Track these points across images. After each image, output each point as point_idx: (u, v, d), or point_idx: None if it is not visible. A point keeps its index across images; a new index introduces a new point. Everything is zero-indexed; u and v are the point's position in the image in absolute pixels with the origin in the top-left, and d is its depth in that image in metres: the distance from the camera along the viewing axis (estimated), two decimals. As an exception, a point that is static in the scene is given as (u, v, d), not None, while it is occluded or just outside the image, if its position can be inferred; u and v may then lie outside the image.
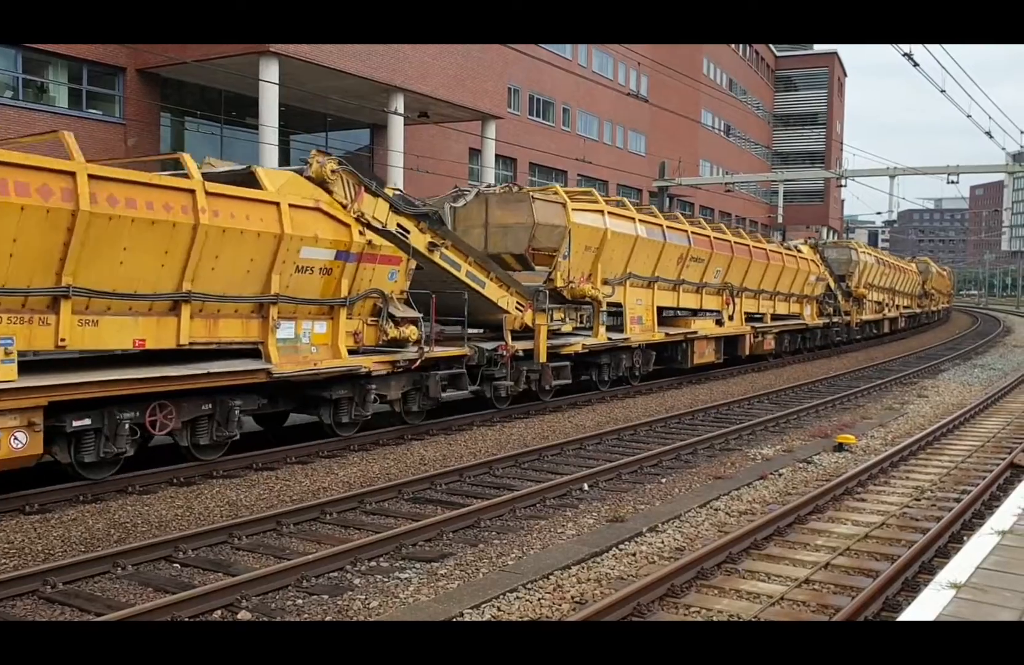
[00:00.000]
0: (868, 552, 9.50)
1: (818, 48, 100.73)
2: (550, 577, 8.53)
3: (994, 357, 35.98)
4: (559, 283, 19.35)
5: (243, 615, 7.69)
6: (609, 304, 21.05)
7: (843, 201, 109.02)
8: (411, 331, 15.23)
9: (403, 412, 15.82)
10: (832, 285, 37.48)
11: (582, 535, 10.02)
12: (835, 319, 37.41)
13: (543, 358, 18.49)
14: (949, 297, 75.56)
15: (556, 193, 20.31)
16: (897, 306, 49.91)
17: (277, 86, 26.07)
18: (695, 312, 25.50)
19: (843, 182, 56.94)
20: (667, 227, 23.49)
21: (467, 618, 7.51)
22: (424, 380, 15.78)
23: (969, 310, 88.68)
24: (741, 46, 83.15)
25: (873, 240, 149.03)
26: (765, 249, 30.12)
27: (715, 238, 26.02)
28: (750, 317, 29.07)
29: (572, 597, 8.05)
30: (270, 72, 25.84)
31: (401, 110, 30.27)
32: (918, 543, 9.29)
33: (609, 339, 20.82)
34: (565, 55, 50.03)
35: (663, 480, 12.88)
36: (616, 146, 57.23)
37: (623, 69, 57.53)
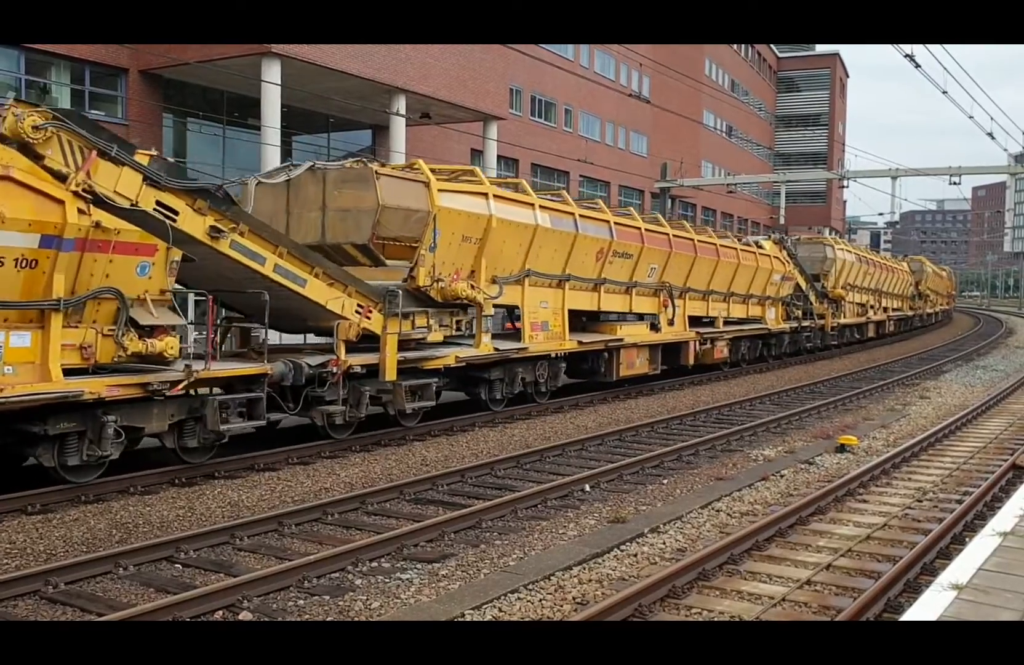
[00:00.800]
0: (870, 553, 9.49)
1: (820, 49, 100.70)
2: (552, 578, 8.52)
3: (996, 358, 35.95)
4: (423, 281, 15.71)
5: (244, 616, 7.69)
6: (499, 306, 18.30)
7: (845, 202, 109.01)
8: (167, 343, 11.83)
9: (178, 448, 12.48)
10: (803, 285, 34.14)
11: (584, 536, 10.02)
12: (806, 323, 33.74)
13: (391, 374, 14.72)
14: (950, 299, 74.50)
15: (417, 168, 16.53)
16: (884, 308, 46.27)
17: (279, 87, 26.09)
18: (623, 316, 22.13)
19: (845, 183, 56.86)
20: (580, 216, 19.95)
21: (468, 619, 7.51)
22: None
23: (971, 312, 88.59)
24: (743, 47, 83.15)
25: (875, 241, 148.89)
26: (715, 244, 26.45)
27: (647, 230, 22.58)
28: (696, 321, 25.97)
29: (574, 598, 8.04)
30: (272, 73, 25.86)
31: (403, 111, 30.29)
32: (920, 544, 9.28)
33: (496, 349, 17.35)
34: (567, 56, 50.04)
35: (664, 481, 12.88)
36: (618, 147, 57.23)
37: (625, 70, 57.54)
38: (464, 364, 16.63)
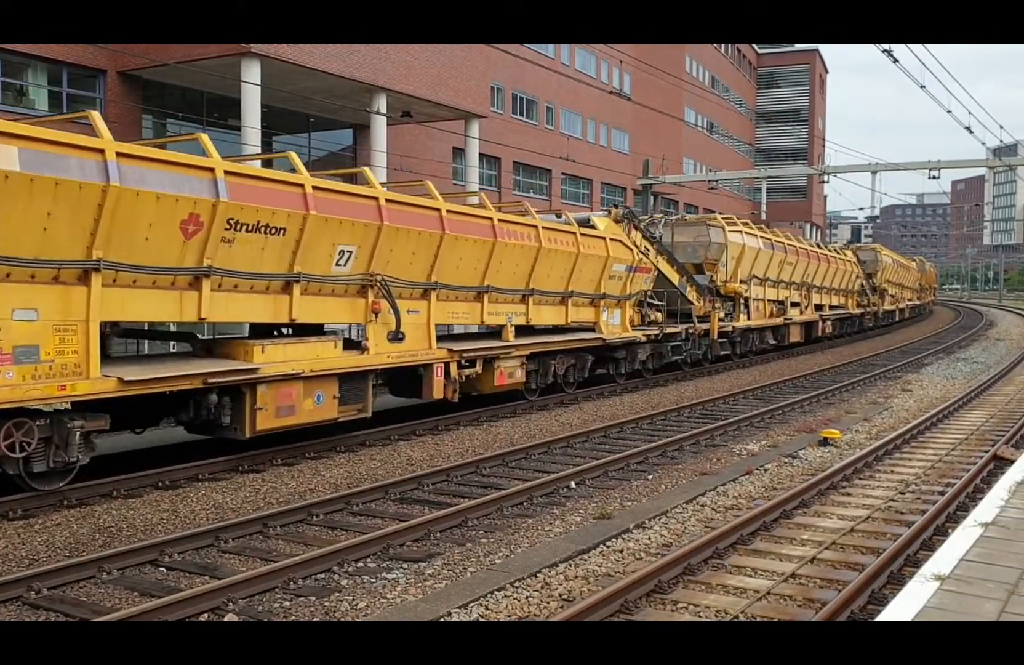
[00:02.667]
0: (854, 546, 9.55)
1: (799, 46, 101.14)
2: (538, 575, 8.53)
3: (977, 350, 36.25)
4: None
5: (230, 618, 7.65)
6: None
7: (826, 197, 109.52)
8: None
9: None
10: (674, 279, 35.89)
11: (569, 533, 10.03)
12: (675, 328, 34.04)
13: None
14: (924, 293, 74.78)
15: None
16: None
17: (259, 87, 25.96)
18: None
19: (826, 178, 57.25)
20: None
21: (455, 618, 7.51)
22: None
23: (952, 305, 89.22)
24: (723, 44, 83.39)
25: (856, 235, 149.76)
26: (491, 221, 20.26)
27: (318, 192, 21.11)
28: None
29: (560, 595, 8.05)
30: (252, 73, 25.73)
31: (384, 110, 30.21)
32: (903, 536, 9.35)
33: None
34: (548, 54, 50.06)
35: (649, 477, 12.91)
36: (600, 144, 57.29)
37: (606, 67, 57.62)
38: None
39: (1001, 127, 40.14)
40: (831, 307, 39.85)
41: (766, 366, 29.12)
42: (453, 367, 16.55)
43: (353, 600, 8.02)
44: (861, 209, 75.86)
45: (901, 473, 13.11)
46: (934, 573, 6.80)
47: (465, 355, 16.87)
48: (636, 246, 22.60)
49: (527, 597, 7.98)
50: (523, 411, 18.55)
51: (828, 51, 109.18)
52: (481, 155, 38.39)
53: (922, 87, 29.81)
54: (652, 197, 49.10)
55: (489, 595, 7.97)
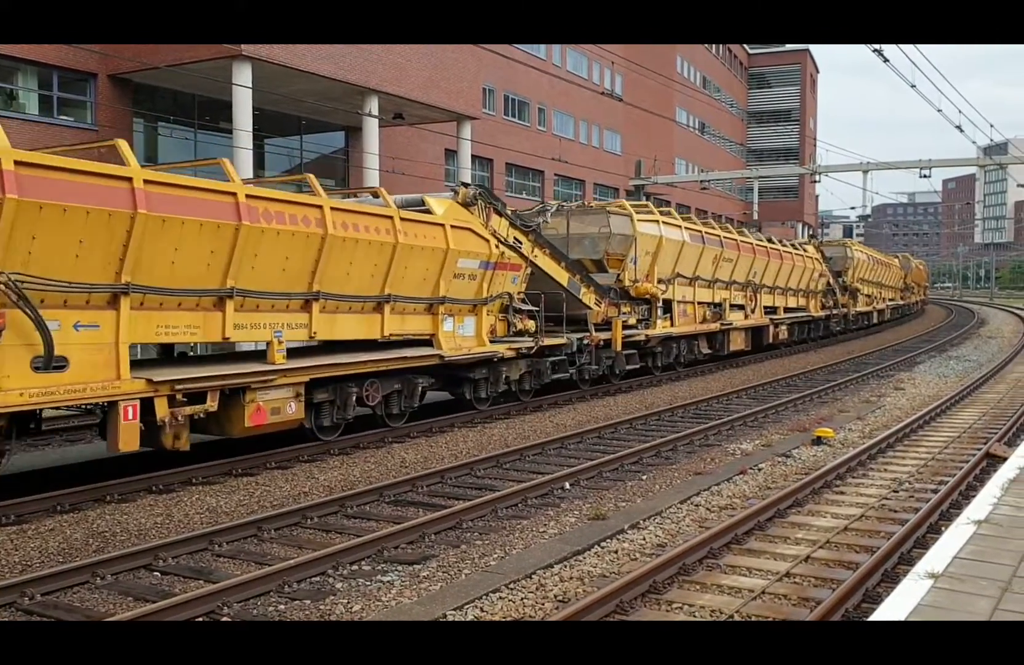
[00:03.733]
0: (848, 544, 9.57)
1: (790, 45, 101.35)
2: (533, 576, 8.53)
3: (969, 349, 36.36)
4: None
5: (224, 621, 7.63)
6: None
7: (817, 197, 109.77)
8: (529, 324, 19.01)
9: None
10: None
11: (564, 534, 10.03)
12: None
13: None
14: (909, 292, 74.12)
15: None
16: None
17: (250, 90, 25.91)
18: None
19: (817, 178, 57.30)
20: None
21: (450, 619, 7.50)
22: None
23: (944, 302, 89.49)
24: (714, 44, 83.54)
25: (848, 235, 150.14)
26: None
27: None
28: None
29: (555, 596, 8.05)
30: (243, 76, 25.68)
31: (375, 112, 30.18)
32: (897, 534, 9.38)
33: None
34: (539, 55, 50.07)
35: (644, 477, 12.92)
36: (592, 145, 57.34)
37: (597, 68, 57.64)
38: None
39: (991, 125, 40.33)
40: (788, 309, 35.21)
41: (693, 382, 24.57)
42: (161, 405, 11.85)
43: (348, 603, 8.00)
44: (853, 208, 76.04)
45: (894, 471, 13.14)
46: (928, 571, 6.81)
47: (182, 387, 12.07)
48: (497, 237, 18.08)
49: (522, 598, 7.98)
50: (517, 413, 18.55)
51: (819, 51, 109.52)
52: (473, 156, 38.38)
53: (913, 86, 29.92)
54: (644, 198, 49.15)
55: (484, 597, 7.97)
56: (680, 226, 26.00)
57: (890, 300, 54.99)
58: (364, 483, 12.46)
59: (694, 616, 7.61)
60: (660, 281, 24.48)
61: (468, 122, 35.67)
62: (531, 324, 19.11)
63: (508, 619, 7.57)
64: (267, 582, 8.32)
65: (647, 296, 23.97)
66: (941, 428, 16.83)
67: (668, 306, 25.23)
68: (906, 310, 62.85)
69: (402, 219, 15.59)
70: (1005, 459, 12.12)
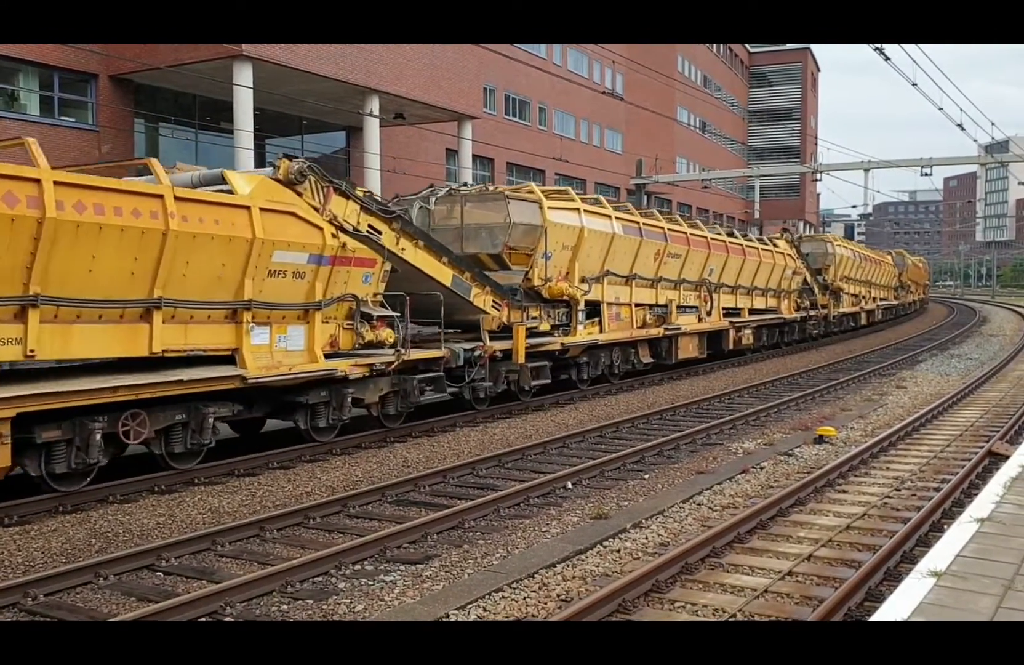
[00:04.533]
0: (850, 543, 9.56)
1: (791, 44, 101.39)
2: (535, 576, 8.53)
3: (971, 347, 36.34)
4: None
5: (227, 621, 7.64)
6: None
7: (819, 195, 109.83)
8: (387, 334, 15.13)
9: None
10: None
11: (566, 533, 10.03)
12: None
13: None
14: (924, 288, 73.76)
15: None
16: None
17: (251, 90, 25.93)
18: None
19: (818, 176, 57.33)
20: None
21: (453, 619, 7.50)
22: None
23: (945, 301, 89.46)
24: (716, 44, 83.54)
25: (849, 233, 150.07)
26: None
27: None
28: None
29: (557, 595, 8.06)
30: (244, 76, 25.70)
31: (376, 112, 30.19)
32: (899, 533, 9.37)
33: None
34: (540, 55, 50.07)
35: (646, 476, 12.92)
36: (593, 145, 57.34)
37: (598, 68, 57.65)
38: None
39: (992, 123, 40.39)
40: (755, 311, 31.53)
41: (696, 381, 23.89)
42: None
43: (351, 603, 8.01)
44: (854, 207, 76.01)
45: (896, 470, 13.14)
46: (931, 569, 6.81)
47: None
48: (338, 224, 14.26)
49: (525, 598, 7.98)
50: (519, 412, 18.56)
51: (820, 49, 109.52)
52: (474, 156, 38.40)
53: (914, 85, 29.94)
54: (646, 197, 49.15)
55: (487, 596, 7.97)
56: (610, 216, 22.14)
57: (882, 300, 51.40)
58: (366, 483, 12.47)
59: (697, 615, 7.61)
60: (584, 280, 20.75)
61: (469, 122, 35.70)
62: (389, 334, 15.22)
63: (511, 618, 7.57)
64: (270, 582, 8.33)
65: (565, 298, 20.17)
66: (943, 426, 16.83)
67: (597, 309, 21.53)
68: (901, 310, 58.96)
69: (178, 198, 11.84)
70: (1007, 457, 12.11)
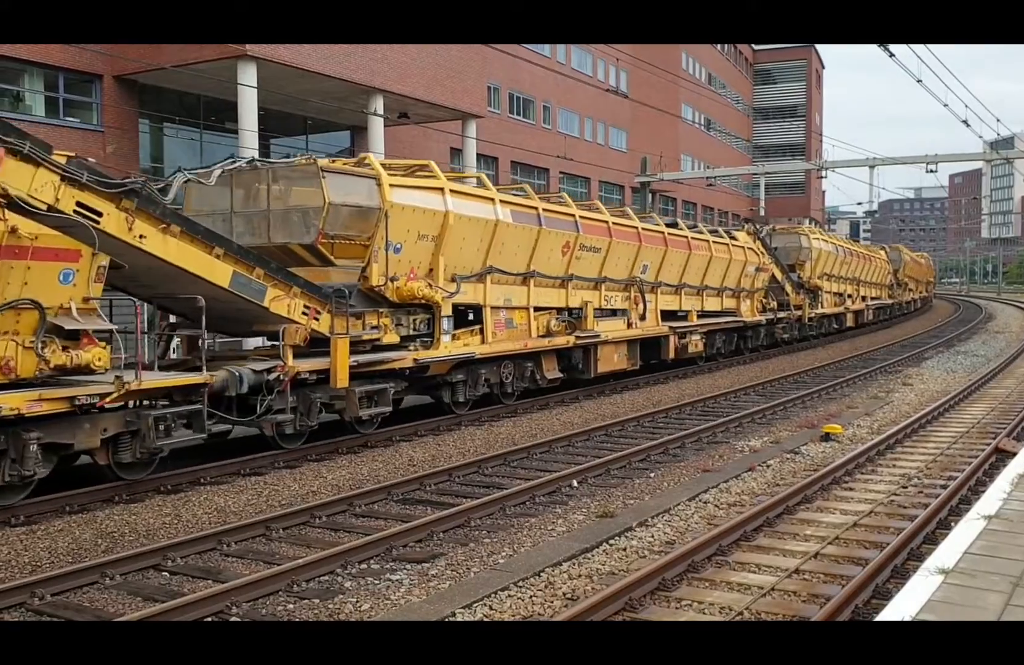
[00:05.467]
0: (857, 540, 9.54)
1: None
2: (541, 574, 8.52)
3: (977, 344, 36.25)
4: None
5: (233, 621, 7.64)
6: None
7: (824, 192, 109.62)
8: (96, 354, 11.13)
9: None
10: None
11: (572, 531, 10.02)
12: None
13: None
14: (927, 286, 70.07)
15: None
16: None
17: (255, 90, 25.94)
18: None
19: (824, 174, 57.12)
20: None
21: (459, 618, 7.49)
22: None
23: (951, 298, 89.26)
24: (722, 44, 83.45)
25: (855, 231, 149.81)
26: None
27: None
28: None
29: (564, 594, 8.04)
30: (248, 76, 25.71)
31: (381, 111, 30.19)
32: (906, 530, 9.34)
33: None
34: (544, 53, 50.02)
35: (652, 475, 12.90)
36: (597, 142, 57.27)
37: (602, 65, 57.60)
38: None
39: (998, 120, 40.17)
40: (705, 313, 27.23)
41: (623, 397, 22.56)
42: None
43: (357, 602, 8.00)
44: (859, 204, 75.88)
45: (903, 467, 13.11)
46: (938, 567, 6.78)
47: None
48: (20, 202, 10.32)
49: (531, 596, 7.97)
50: (524, 411, 18.55)
51: (824, 47, 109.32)
52: (479, 155, 38.41)
53: (919, 82, 29.82)
54: (651, 194, 49.10)
55: (493, 595, 7.96)
56: (493, 199, 17.91)
57: (873, 299, 47.34)
58: (372, 482, 12.47)
59: (703, 613, 7.59)
60: (455, 279, 16.75)
61: (473, 121, 35.69)
62: (98, 354, 11.23)
63: (517, 618, 7.56)
64: (276, 581, 8.33)
65: (422, 301, 15.81)
66: (950, 423, 16.78)
67: (479, 315, 17.69)
68: (897, 310, 54.40)
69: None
70: (1014, 454, 12.07)
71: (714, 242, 27.70)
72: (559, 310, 20.05)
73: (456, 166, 39.20)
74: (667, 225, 26.13)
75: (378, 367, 15.01)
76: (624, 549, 9.36)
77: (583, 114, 55.34)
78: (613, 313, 22.37)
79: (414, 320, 16.13)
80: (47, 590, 8.17)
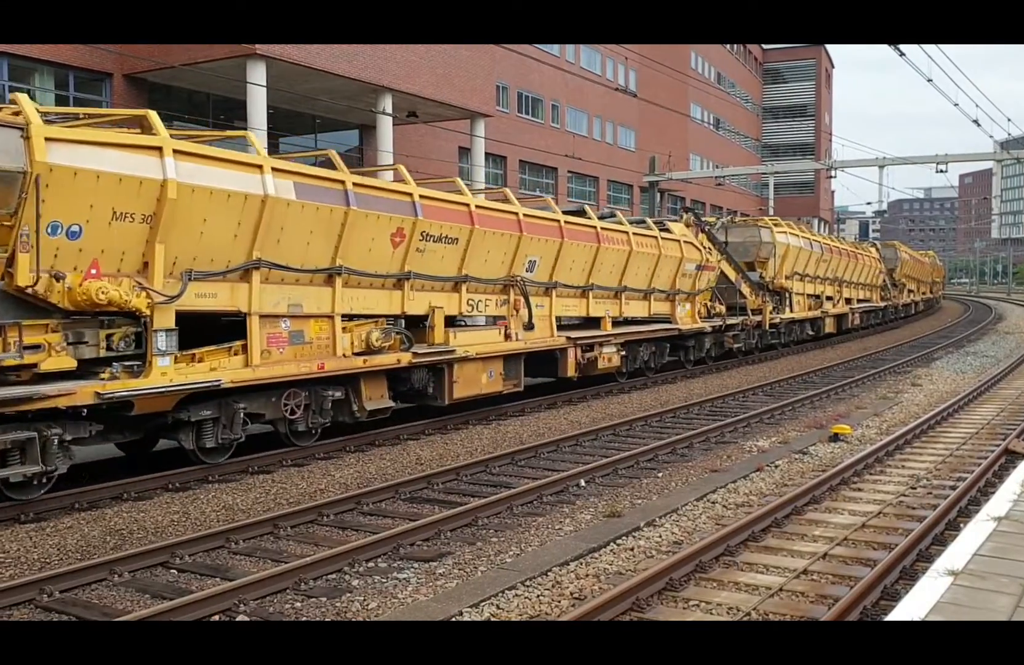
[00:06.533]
0: (866, 541, 9.51)
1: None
2: (548, 574, 8.52)
3: (987, 344, 36.10)
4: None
5: (241, 619, 7.66)
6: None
7: (833, 192, 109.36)
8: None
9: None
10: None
11: (580, 531, 10.01)
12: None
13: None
14: (933, 286, 66.56)
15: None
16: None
17: (264, 89, 25.99)
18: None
19: (833, 173, 56.94)
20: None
21: (466, 617, 7.50)
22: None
23: (961, 298, 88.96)
24: (732, 44, 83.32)
25: (864, 231, 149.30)
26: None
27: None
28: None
29: (571, 593, 8.04)
30: (257, 75, 25.75)
31: (389, 110, 30.22)
32: (915, 531, 9.31)
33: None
34: (553, 52, 50.02)
35: (659, 474, 12.89)
36: (606, 142, 57.24)
37: (611, 65, 57.57)
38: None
39: (1009, 119, 40.06)
40: (623, 321, 22.77)
41: (630, 397, 21.25)
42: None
43: (364, 600, 8.02)
44: (869, 204, 75.49)
45: (912, 468, 13.06)
46: (947, 568, 6.76)
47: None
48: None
49: (538, 596, 7.97)
50: (532, 410, 18.55)
51: (834, 46, 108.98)
52: (487, 154, 38.38)
53: (929, 81, 29.73)
54: (659, 194, 49.05)
55: (500, 594, 7.96)
56: (260, 167, 12.94)
57: (861, 302, 42.38)
58: (380, 480, 12.48)
59: (711, 614, 7.58)
60: (186, 275, 12.09)
61: (482, 119, 35.69)
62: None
63: (524, 617, 7.56)
64: (283, 579, 8.34)
65: (115, 308, 11.28)
66: (959, 424, 16.72)
67: (242, 328, 13.06)
68: (891, 314, 48.62)
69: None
70: (1024, 455, 12.03)
71: (635, 234, 22.50)
72: (393, 319, 15.55)
73: (464, 165, 39.25)
74: (603, 217, 22.85)
75: (24, 406, 10.38)
76: (631, 549, 9.35)
77: (592, 113, 55.31)
78: (481, 323, 18.08)
79: (109, 335, 11.62)
80: (56, 586, 8.20)
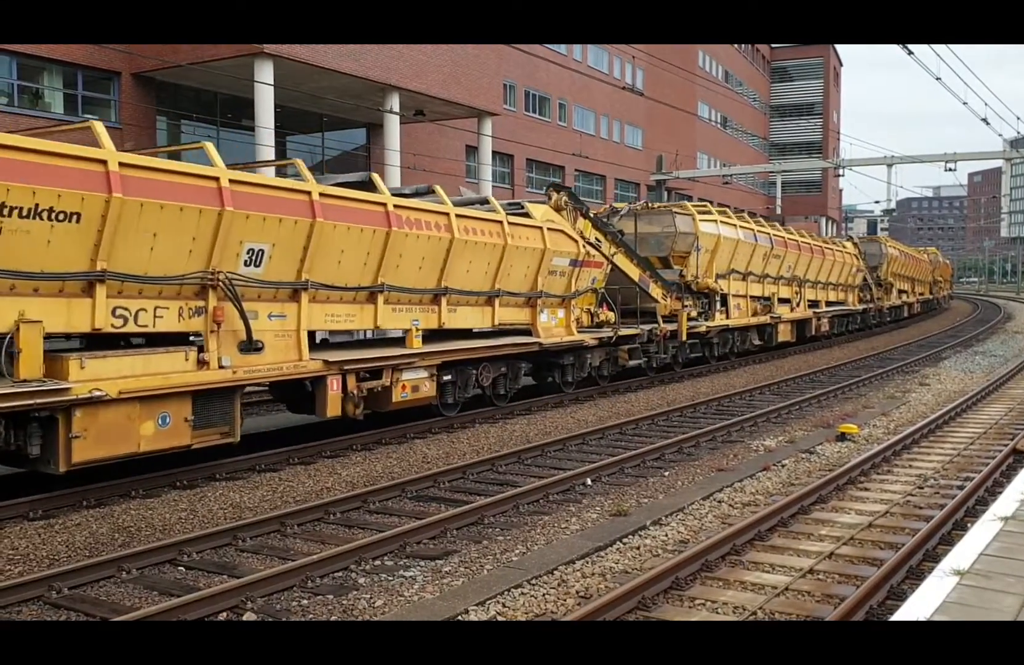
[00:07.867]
0: (872, 541, 9.50)
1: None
2: (554, 572, 8.53)
3: (995, 344, 35.98)
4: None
5: (248, 617, 7.69)
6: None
7: (841, 191, 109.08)
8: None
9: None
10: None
11: (586, 530, 10.02)
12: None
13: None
14: (934, 286, 64.78)
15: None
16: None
17: (272, 87, 26.06)
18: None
19: (841, 172, 56.81)
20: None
21: (472, 615, 7.51)
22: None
23: (969, 297, 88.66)
24: (740, 44, 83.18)
25: (872, 229, 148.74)
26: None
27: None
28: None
29: (577, 592, 8.05)
30: (265, 73, 25.83)
31: (396, 109, 30.26)
32: (921, 531, 9.30)
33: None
34: (560, 51, 50.02)
35: (665, 473, 12.89)
36: (613, 140, 57.22)
37: (618, 63, 57.53)
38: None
39: (1018, 118, 39.94)
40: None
41: (637, 396, 20.24)
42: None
43: (371, 598, 8.04)
44: (877, 202, 75.30)
45: (919, 467, 13.04)
46: (954, 568, 6.76)
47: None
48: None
49: (544, 594, 7.98)
50: (538, 409, 18.56)
51: (842, 45, 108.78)
52: (494, 153, 38.43)
53: (938, 79, 29.66)
54: (666, 193, 48.98)
55: (506, 593, 7.97)
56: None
57: (831, 304, 37.16)
58: (386, 479, 12.51)
59: (717, 613, 7.58)
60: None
61: (489, 118, 35.71)
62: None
63: (530, 615, 7.57)
64: (290, 577, 8.37)
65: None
66: (967, 424, 16.68)
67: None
68: (872, 319, 42.59)
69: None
70: (1032, 455, 11.99)
71: (460, 216, 16.61)
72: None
73: (471, 163, 39.24)
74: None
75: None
76: (638, 548, 9.35)
77: (599, 112, 55.28)
78: (162, 339, 12.10)
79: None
80: (65, 583, 8.24)
